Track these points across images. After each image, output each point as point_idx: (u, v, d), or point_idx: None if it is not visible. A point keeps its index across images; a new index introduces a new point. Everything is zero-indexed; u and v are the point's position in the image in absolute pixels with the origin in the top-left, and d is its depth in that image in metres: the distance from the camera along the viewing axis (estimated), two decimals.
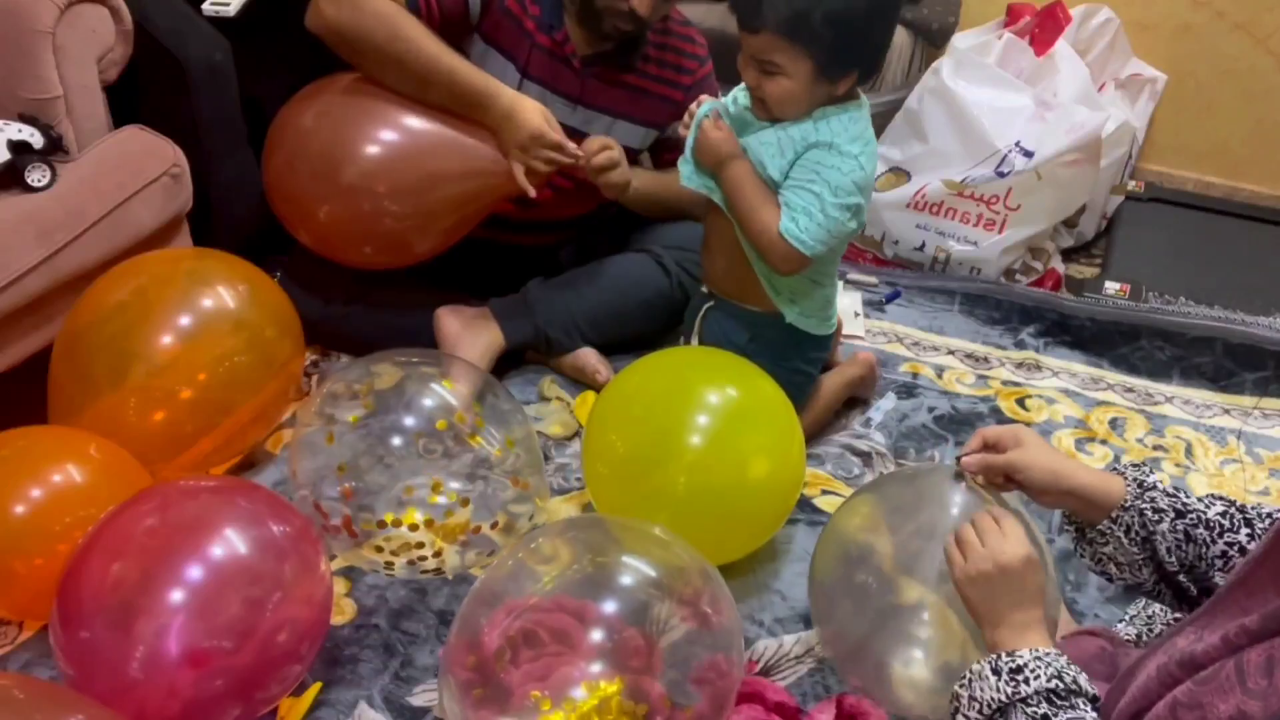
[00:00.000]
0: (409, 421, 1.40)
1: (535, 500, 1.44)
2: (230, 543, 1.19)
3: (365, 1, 1.59)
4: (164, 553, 1.17)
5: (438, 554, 1.38)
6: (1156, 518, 1.06)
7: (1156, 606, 1.28)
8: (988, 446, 1.17)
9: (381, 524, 1.36)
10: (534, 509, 1.44)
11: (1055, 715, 0.92)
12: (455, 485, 1.38)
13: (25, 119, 1.61)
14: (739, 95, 1.56)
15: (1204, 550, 1.05)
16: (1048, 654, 0.97)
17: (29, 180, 1.58)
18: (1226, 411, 1.91)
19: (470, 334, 1.78)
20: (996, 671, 0.97)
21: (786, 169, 1.47)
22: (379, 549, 1.38)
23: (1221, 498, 1.08)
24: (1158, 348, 2.03)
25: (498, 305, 1.84)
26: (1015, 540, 1.06)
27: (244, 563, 1.19)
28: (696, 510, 1.37)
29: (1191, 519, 1.05)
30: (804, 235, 1.44)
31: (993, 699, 0.97)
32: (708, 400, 1.44)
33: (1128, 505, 1.08)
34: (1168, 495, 1.07)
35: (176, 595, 1.14)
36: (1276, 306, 2.09)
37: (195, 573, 1.16)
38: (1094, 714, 0.92)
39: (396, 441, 1.38)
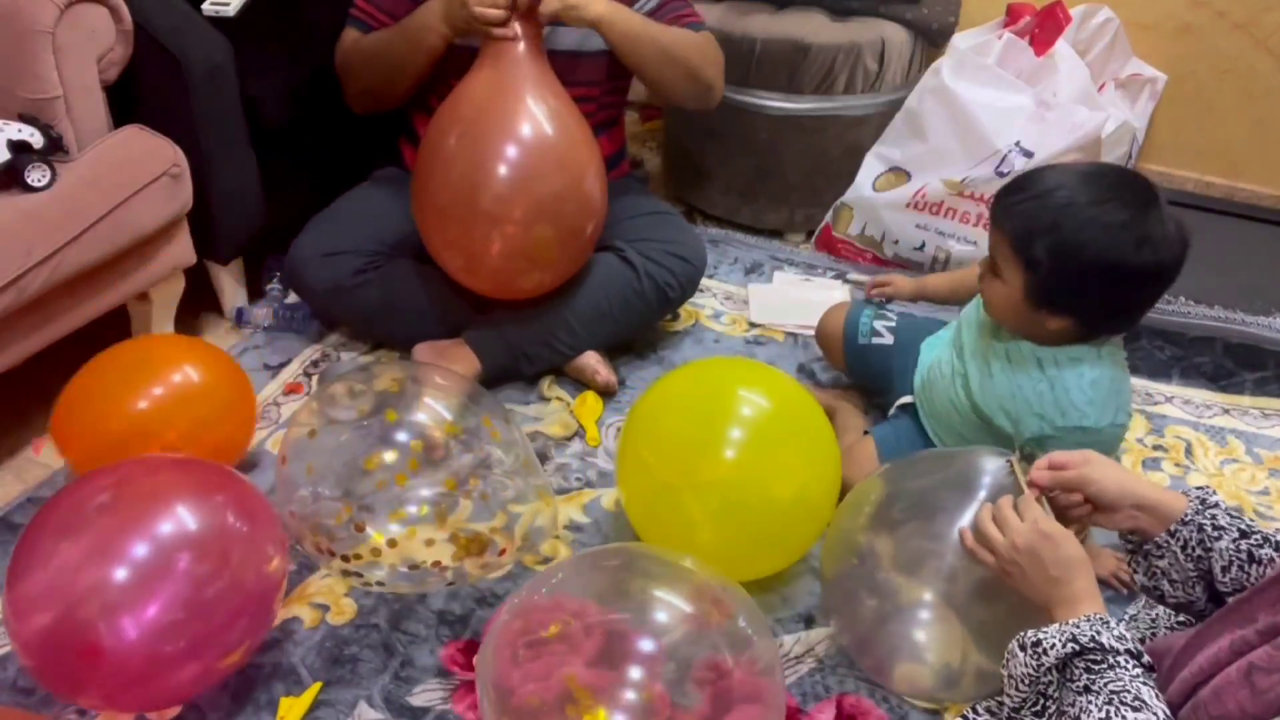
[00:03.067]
0: (409, 424, 1.40)
1: (540, 498, 1.44)
2: (177, 516, 1.21)
3: (350, 63, 1.86)
4: (110, 530, 1.18)
5: (438, 564, 1.38)
6: (1216, 534, 1.07)
7: (1160, 609, 1.28)
8: (1054, 467, 1.17)
9: (380, 549, 1.36)
10: (538, 508, 1.44)
11: (1094, 682, 0.94)
12: (449, 488, 1.38)
13: (25, 119, 1.61)
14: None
15: (1267, 570, 1.05)
16: (1074, 621, 0.98)
17: (29, 180, 1.58)
18: (1226, 411, 1.91)
19: (445, 363, 1.78)
20: (1023, 647, 1.00)
21: (1035, 435, 1.38)
22: (376, 550, 1.37)
23: None
24: (1158, 348, 2.03)
25: (471, 333, 1.84)
26: (1043, 527, 1.08)
27: (187, 534, 1.20)
28: (730, 523, 1.37)
29: (1256, 539, 1.06)
30: None
31: (1024, 674, 1.00)
32: (744, 414, 1.42)
33: (1188, 519, 1.09)
34: (1230, 515, 1.08)
35: (120, 570, 1.16)
36: (1277, 306, 2.09)
37: (136, 547, 1.17)
38: (1138, 669, 0.93)
39: (395, 443, 1.38)
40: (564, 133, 1.67)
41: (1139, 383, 1.97)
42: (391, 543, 1.35)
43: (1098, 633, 0.96)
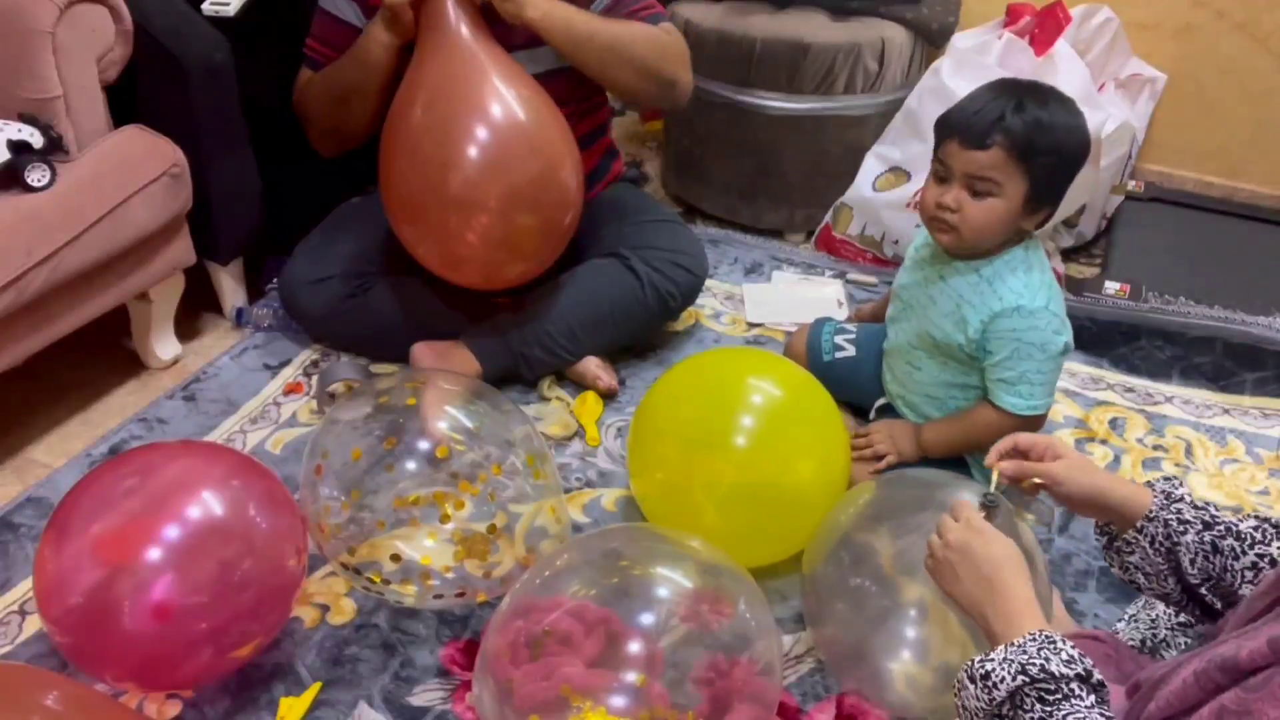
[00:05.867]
0: (411, 425, 1.40)
1: (549, 504, 1.44)
2: (205, 502, 1.23)
3: (306, 101, 1.82)
4: (142, 513, 1.21)
5: (446, 570, 1.37)
6: (1181, 529, 1.07)
7: (1160, 609, 1.28)
8: (1019, 451, 1.17)
9: (386, 564, 1.36)
10: (538, 507, 1.43)
11: (1050, 715, 0.90)
12: (453, 489, 1.38)
13: (25, 119, 1.61)
14: (920, 243, 1.59)
15: (1231, 562, 1.05)
16: (1019, 644, 0.95)
17: (29, 180, 1.58)
18: (1226, 411, 1.91)
19: (445, 365, 1.78)
20: (973, 679, 0.96)
21: (978, 340, 1.48)
22: (377, 550, 1.37)
23: (1257, 515, 1.08)
24: (1157, 348, 2.03)
25: (471, 335, 1.84)
26: (975, 524, 1.07)
27: (217, 521, 1.23)
28: (741, 508, 1.39)
29: (1219, 530, 1.06)
30: (1035, 401, 1.47)
31: (977, 708, 0.95)
32: (755, 401, 1.45)
33: (1153, 516, 1.09)
34: (1195, 508, 1.08)
35: (154, 552, 1.18)
36: (1277, 306, 2.09)
37: (171, 531, 1.20)
38: (1091, 695, 0.91)
39: (397, 443, 1.38)
40: (530, 113, 1.60)
41: (1139, 383, 1.97)
42: (395, 557, 1.35)
43: (1046, 660, 0.92)
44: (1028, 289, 1.44)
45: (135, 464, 1.27)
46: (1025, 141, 1.37)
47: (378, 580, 1.35)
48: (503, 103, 1.59)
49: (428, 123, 1.59)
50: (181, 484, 1.24)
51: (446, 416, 1.41)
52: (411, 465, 1.38)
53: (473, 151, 1.57)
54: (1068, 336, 1.46)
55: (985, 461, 1.19)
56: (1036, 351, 1.44)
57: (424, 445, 1.38)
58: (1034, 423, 1.49)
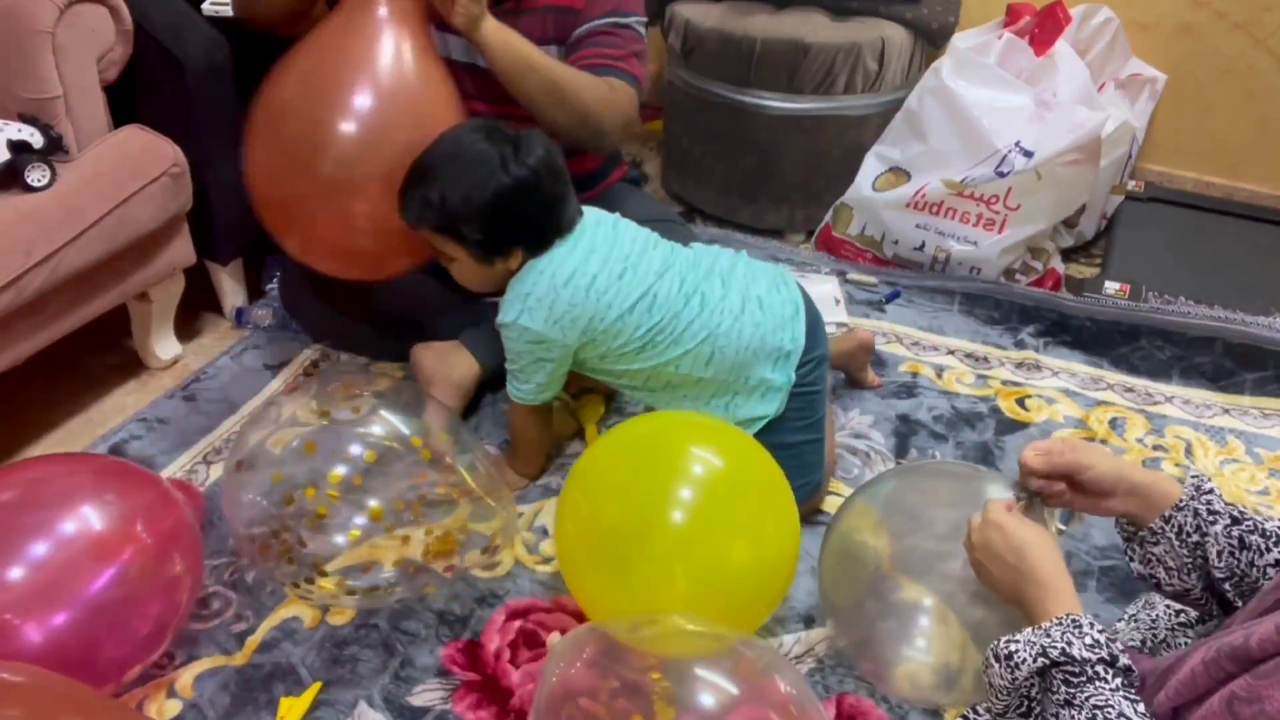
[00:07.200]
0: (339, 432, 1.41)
1: (500, 517, 1.44)
2: (78, 516, 1.22)
3: None
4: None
5: (404, 562, 1.37)
6: (1211, 519, 1.06)
7: (1160, 609, 1.27)
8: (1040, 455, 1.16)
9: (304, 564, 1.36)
10: (503, 525, 1.44)
11: (1074, 696, 0.91)
12: (414, 498, 1.38)
13: (25, 119, 1.61)
14: None
15: (1256, 558, 1.04)
16: (1044, 628, 0.96)
17: (29, 180, 1.58)
18: (1226, 411, 1.91)
19: (446, 366, 1.77)
20: (998, 659, 0.98)
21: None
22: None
23: None
24: (1157, 348, 2.03)
25: (470, 335, 1.83)
26: (993, 519, 1.07)
27: (86, 535, 1.22)
28: (694, 601, 1.25)
29: (1247, 525, 1.06)
30: (513, 392, 1.58)
31: (1001, 685, 0.97)
32: (684, 480, 1.30)
33: (1182, 505, 1.08)
34: (1224, 502, 1.08)
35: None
36: (1277, 306, 2.09)
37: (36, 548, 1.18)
38: (1117, 678, 0.91)
39: (319, 447, 1.39)
40: (425, 87, 1.54)
41: (1139, 383, 1.97)
42: (321, 570, 1.35)
43: (1069, 644, 0.93)
44: (506, 305, 1.50)
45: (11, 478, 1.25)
46: (430, 219, 1.46)
47: (309, 585, 1.35)
48: (387, 71, 1.51)
49: (300, 95, 1.51)
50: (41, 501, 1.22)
51: (384, 423, 1.42)
52: (341, 470, 1.38)
53: (348, 127, 1.48)
54: (539, 355, 1.50)
55: (1019, 459, 1.19)
56: (512, 360, 1.54)
57: (356, 450, 1.38)
58: (520, 408, 1.59)
